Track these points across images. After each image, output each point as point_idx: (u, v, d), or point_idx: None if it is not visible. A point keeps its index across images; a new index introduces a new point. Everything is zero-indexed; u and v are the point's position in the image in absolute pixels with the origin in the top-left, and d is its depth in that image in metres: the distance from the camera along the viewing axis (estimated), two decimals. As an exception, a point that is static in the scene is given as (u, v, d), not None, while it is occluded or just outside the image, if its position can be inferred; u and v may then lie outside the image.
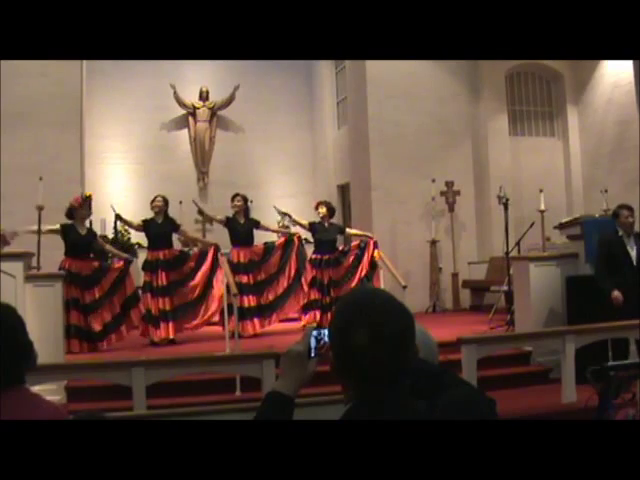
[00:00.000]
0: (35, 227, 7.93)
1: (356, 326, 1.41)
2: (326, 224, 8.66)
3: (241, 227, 8.46)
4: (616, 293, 6.21)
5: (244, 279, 8.20)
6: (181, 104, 13.19)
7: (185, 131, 13.48)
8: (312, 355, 1.58)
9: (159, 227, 8.18)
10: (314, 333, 1.59)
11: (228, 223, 8.51)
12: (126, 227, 12.11)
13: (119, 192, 12.79)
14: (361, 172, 11.67)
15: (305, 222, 8.68)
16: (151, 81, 12.83)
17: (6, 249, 6.30)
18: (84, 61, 10.79)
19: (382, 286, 8.12)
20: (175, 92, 12.98)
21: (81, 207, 7.95)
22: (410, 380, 1.47)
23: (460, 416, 1.41)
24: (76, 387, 5.69)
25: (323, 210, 8.61)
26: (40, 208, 8.58)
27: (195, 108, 13.28)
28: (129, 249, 11.47)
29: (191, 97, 13.28)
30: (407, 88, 11.32)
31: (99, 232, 10.84)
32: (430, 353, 1.82)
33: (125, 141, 12.89)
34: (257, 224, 8.65)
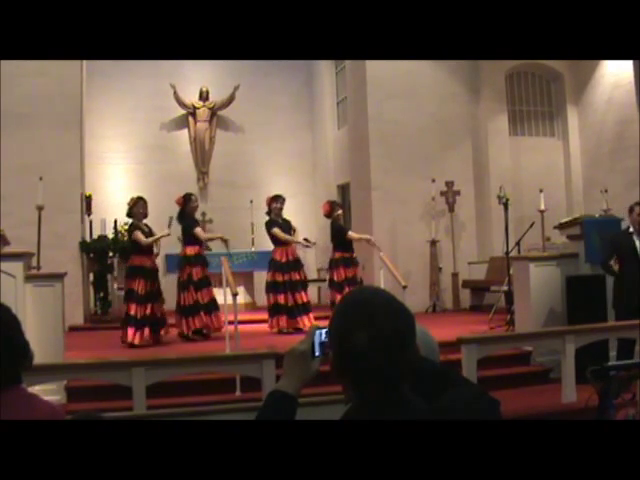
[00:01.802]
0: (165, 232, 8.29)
1: (355, 326, 1.41)
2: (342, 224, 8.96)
3: (281, 227, 8.67)
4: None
5: (286, 277, 8.49)
6: (181, 104, 13.19)
7: (185, 131, 13.48)
8: (316, 354, 1.57)
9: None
10: (323, 332, 1.57)
11: (273, 224, 8.66)
12: (126, 227, 12.15)
13: (119, 192, 12.77)
14: (361, 172, 11.67)
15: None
16: (151, 81, 12.82)
17: (6, 249, 6.30)
18: (84, 61, 10.79)
19: (382, 286, 8.13)
20: (175, 92, 12.97)
21: (135, 205, 8.25)
22: (411, 380, 1.47)
23: (462, 416, 1.41)
24: (76, 387, 5.68)
25: (341, 212, 8.87)
26: (40, 208, 8.60)
27: (195, 108, 13.28)
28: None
29: (191, 97, 13.27)
30: (407, 88, 11.32)
31: (99, 232, 10.87)
32: (431, 353, 1.82)
33: (125, 141, 12.88)
34: (290, 224, 8.90)
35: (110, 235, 11.01)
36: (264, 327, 8.76)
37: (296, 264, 8.63)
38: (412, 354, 1.44)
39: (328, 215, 8.82)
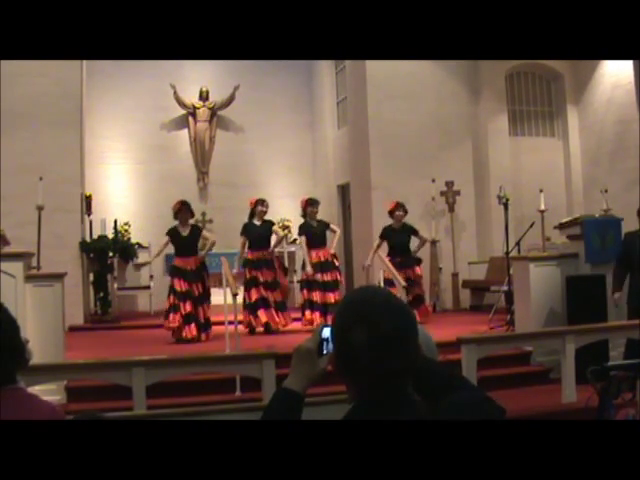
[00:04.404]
0: (155, 252, 9.04)
1: (355, 324, 1.41)
2: (396, 226, 9.22)
3: (314, 230, 8.95)
4: (616, 295, 6.29)
5: (319, 277, 8.71)
6: (181, 104, 13.18)
7: (185, 131, 13.47)
8: (324, 352, 1.57)
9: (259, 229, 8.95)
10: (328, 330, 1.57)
11: (304, 228, 9.02)
12: (126, 227, 12.18)
13: (119, 192, 12.79)
14: (361, 172, 11.67)
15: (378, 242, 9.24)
16: (151, 81, 12.81)
17: (6, 249, 6.30)
18: (84, 61, 10.78)
19: (382, 286, 8.15)
20: (175, 92, 12.97)
21: (179, 210, 8.53)
22: (412, 379, 1.47)
23: (466, 419, 1.41)
24: (76, 387, 5.69)
25: (401, 213, 9.19)
26: (40, 208, 8.60)
27: (195, 108, 13.27)
28: (129, 249, 11.49)
29: (191, 97, 13.26)
30: (407, 88, 11.31)
31: (99, 232, 10.87)
32: (430, 353, 1.82)
33: (125, 141, 12.87)
34: (327, 226, 9.13)
35: (110, 235, 11.01)
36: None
37: (328, 265, 8.80)
38: (413, 353, 1.44)
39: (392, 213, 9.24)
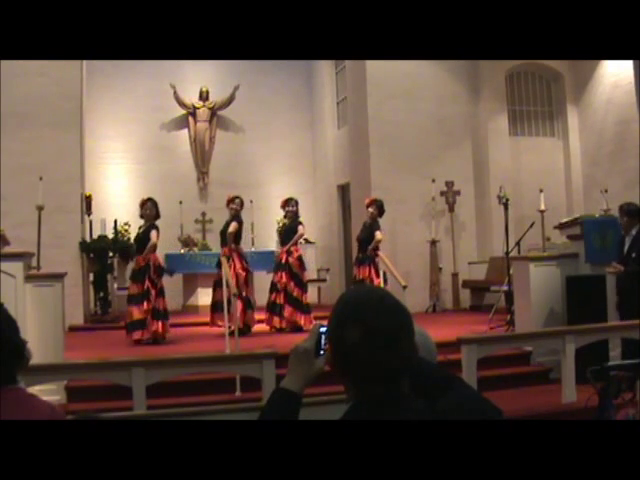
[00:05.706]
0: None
1: (350, 324, 1.42)
2: (367, 223, 9.14)
3: (279, 228, 9.34)
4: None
5: (274, 277, 8.92)
6: (181, 104, 13.19)
7: (185, 131, 13.48)
8: (320, 352, 1.57)
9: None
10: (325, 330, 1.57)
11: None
12: (126, 227, 12.17)
13: (119, 192, 12.79)
14: (361, 172, 11.67)
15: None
16: (151, 81, 12.82)
17: (6, 249, 6.29)
18: (84, 61, 10.78)
19: (382, 286, 8.14)
20: (175, 92, 12.97)
21: (140, 208, 8.42)
22: (410, 379, 1.47)
23: (464, 418, 1.41)
24: (76, 387, 5.68)
25: (371, 210, 9.05)
26: (40, 208, 8.61)
27: (195, 108, 13.28)
28: (128, 249, 11.48)
29: (191, 97, 13.27)
30: (407, 88, 11.32)
31: (99, 232, 10.86)
32: (428, 353, 1.82)
33: (125, 141, 12.88)
34: (297, 225, 9.01)
35: (110, 235, 11.00)
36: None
37: (279, 265, 8.90)
38: (409, 353, 1.44)
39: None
